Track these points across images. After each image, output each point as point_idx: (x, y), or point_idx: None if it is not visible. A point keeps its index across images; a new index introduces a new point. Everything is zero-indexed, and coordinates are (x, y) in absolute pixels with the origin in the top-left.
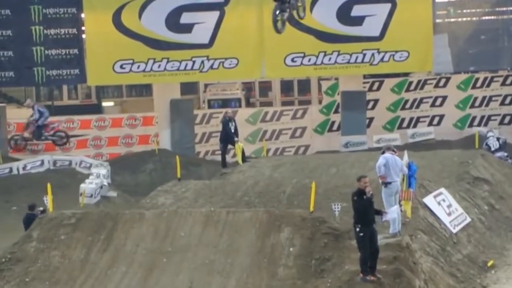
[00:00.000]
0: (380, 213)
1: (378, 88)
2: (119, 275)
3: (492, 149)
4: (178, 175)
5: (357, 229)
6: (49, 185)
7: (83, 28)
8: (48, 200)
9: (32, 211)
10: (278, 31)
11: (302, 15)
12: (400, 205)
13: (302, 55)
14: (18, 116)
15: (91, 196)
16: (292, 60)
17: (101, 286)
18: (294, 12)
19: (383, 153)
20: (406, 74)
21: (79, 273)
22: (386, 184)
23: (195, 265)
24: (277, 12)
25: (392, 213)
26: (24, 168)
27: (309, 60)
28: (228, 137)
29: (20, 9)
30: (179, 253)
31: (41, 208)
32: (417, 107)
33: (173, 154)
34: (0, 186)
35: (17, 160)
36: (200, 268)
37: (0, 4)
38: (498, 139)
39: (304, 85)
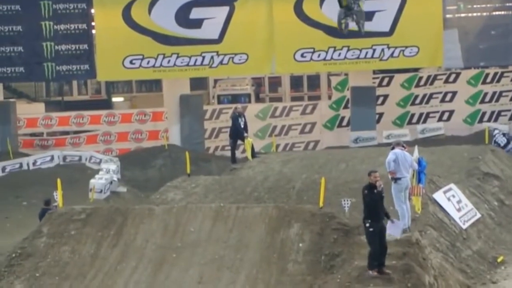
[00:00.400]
0: (389, 217)
1: (388, 84)
2: (129, 270)
3: (501, 145)
4: (188, 171)
5: (367, 224)
6: (59, 181)
7: (93, 23)
8: (58, 195)
9: (48, 206)
10: (341, 30)
11: (362, 29)
12: (410, 200)
13: (311, 50)
14: (28, 111)
15: (101, 191)
16: (302, 55)
17: (111, 281)
18: (356, 24)
19: (392, 148)
20: (416, 70)
21: (89, 268)
22: (395, 179)
23: (205, 260)
24: (342, 16)
25: (397, 228)
26: (34, 164)
27: (319, 55)
28: (237, 133)
29: (30, 4)
30: (189, 248)
31: (56, 203)
32: (427, 102)
33: (183, 150)
34: (10, 182)
35: (28, 155)
36: (209, 264)
37: None
38: (504, 134)
39: (314, 81)
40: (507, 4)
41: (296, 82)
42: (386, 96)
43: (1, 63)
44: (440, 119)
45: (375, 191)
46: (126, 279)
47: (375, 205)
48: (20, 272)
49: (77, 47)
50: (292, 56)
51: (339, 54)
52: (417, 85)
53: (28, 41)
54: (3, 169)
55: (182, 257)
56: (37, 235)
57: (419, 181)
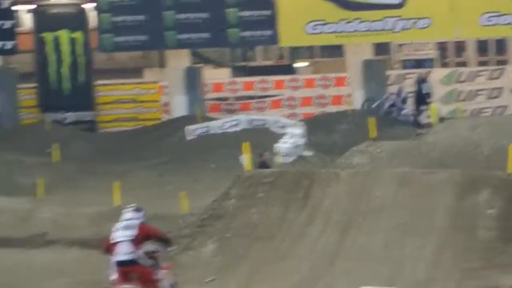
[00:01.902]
0: None
1: None
2: (316, 233)
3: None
4: (373, 135)
5: None
6: (246, 144)
7: None
8: (245, 159)
9: (261, 158)
10: None
11: None
12: None
13: (498, 14)
14: (214, 76)
15: (286, 155)
16: (488, 19)
17: (299, 243)
18: None
19: None
20: None
21: (277, 230)
22: None
23: (391, 225)
24: None
25: None
26: (221, 127)
27: (505, 19)
28: (421, 98)
29: None
30: (374, 213)
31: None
32: None
33: (366, 115)
34: (198, 145)
35: (215, 119)
36: (395, 229)
37: None
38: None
39: (501, 45)
40: None
41: (482, 46)
42: None
43: (187, 29)
44: None
45: None
46: (314, 242)
47: None
48: (212, 232)
49: (260, 13)
50: (476, 21)
51: None
52: None
53: (213, 8)
54: (192, 132)
55: (368, 222)
56: (225, 197)
57: None
